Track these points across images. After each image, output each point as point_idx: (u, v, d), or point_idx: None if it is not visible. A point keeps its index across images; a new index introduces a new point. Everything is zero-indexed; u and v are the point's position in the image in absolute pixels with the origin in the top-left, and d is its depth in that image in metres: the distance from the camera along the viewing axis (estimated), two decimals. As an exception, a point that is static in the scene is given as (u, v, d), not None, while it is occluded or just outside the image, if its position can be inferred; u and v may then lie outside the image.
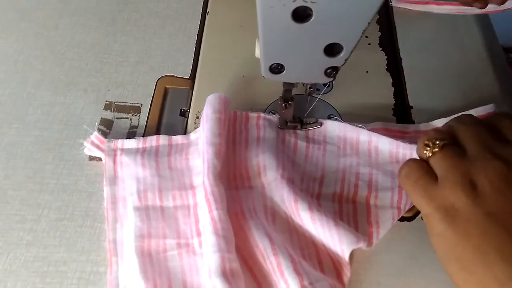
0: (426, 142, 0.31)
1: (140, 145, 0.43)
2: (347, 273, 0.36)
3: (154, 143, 0.43)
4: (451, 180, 0.29)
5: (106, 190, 0.40)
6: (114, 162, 0.42)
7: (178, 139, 0.43)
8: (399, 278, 0.36)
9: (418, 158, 0.32)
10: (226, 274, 0.33)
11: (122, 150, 0.42)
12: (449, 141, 0.31)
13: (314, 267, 0.36)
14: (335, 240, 0.35)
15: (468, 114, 0.34)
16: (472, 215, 0.28)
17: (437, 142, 0.31)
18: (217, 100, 0.42)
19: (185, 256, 0.37)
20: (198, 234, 0.38)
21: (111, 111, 0.47)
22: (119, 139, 0.43)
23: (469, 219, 0.28)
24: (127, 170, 0.41)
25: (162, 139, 0.43)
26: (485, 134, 0.31)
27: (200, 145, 0.42)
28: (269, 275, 0.35)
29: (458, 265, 0.28)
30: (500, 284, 0.26)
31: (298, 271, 0.34)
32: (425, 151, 0.31)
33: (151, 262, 0.36)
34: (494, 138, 0.30)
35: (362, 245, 0.35)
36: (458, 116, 0.34)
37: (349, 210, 0.39)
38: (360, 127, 0.43)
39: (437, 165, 0.30)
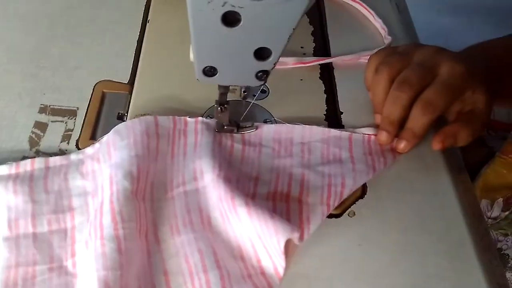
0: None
1: (13, 171, 0.41)
2: (283, 264, 0.37)
3: (28, 168, 0.41)
4: None
5: None
6: None
7: (56, 160, 0.42)
8: (326, 270, 0.39)
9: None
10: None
11: None
12: None
13: (253, 264, 0.38)
14: (271, 231, 0.37)
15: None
16: None
17: None
18: (124, 129, 0.42)
19: (55, 278, 0.37)
20: (73, 255, 0.38)
21: (46, 114, 0.46)
22: None
23: None
24: None
25: (38, 163, 0.42)
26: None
27: (105, 170, 0.41)
28: None
29: None
30: None
31: None
32: None
33: None
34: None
35: (295, 235, 0.37)
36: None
37: (282, 208, 0.41)
38: (296, 124, 0.45)
39: None
